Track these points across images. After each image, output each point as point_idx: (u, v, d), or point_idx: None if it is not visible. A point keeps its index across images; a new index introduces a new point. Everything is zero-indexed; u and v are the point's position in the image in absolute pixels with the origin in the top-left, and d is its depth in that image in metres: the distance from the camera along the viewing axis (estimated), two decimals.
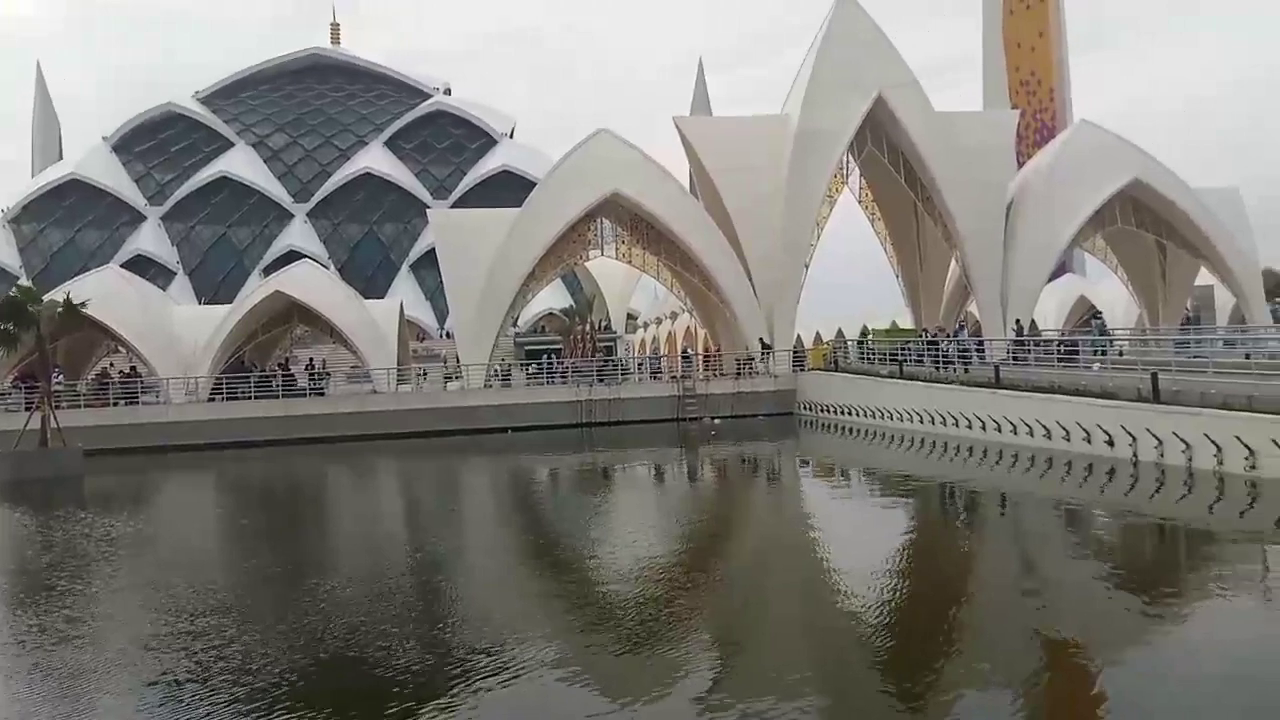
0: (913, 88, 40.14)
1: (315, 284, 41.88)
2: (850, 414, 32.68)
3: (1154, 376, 19.51)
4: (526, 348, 51.40)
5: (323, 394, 38.73)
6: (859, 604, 10.67)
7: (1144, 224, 42.49)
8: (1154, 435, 18.42)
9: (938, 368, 30.61)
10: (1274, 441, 15.74)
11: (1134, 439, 18.99)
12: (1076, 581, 11.44)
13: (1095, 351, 29.29)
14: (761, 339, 39.25)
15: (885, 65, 39.90)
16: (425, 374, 43.23)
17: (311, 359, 45.63)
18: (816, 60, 40.61)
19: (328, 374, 42.23)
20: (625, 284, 67.97)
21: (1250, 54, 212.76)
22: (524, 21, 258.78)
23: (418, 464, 30.07)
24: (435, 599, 11.70)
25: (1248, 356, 22.80)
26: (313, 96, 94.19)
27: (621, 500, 21.18)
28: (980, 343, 34.63)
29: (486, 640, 9.46)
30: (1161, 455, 18.31)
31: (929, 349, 32.61)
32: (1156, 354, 28.76)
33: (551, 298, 66.41)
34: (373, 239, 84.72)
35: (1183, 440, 17.70)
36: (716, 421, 35.21)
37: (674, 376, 39.52)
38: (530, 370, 41.41)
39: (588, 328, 45.22)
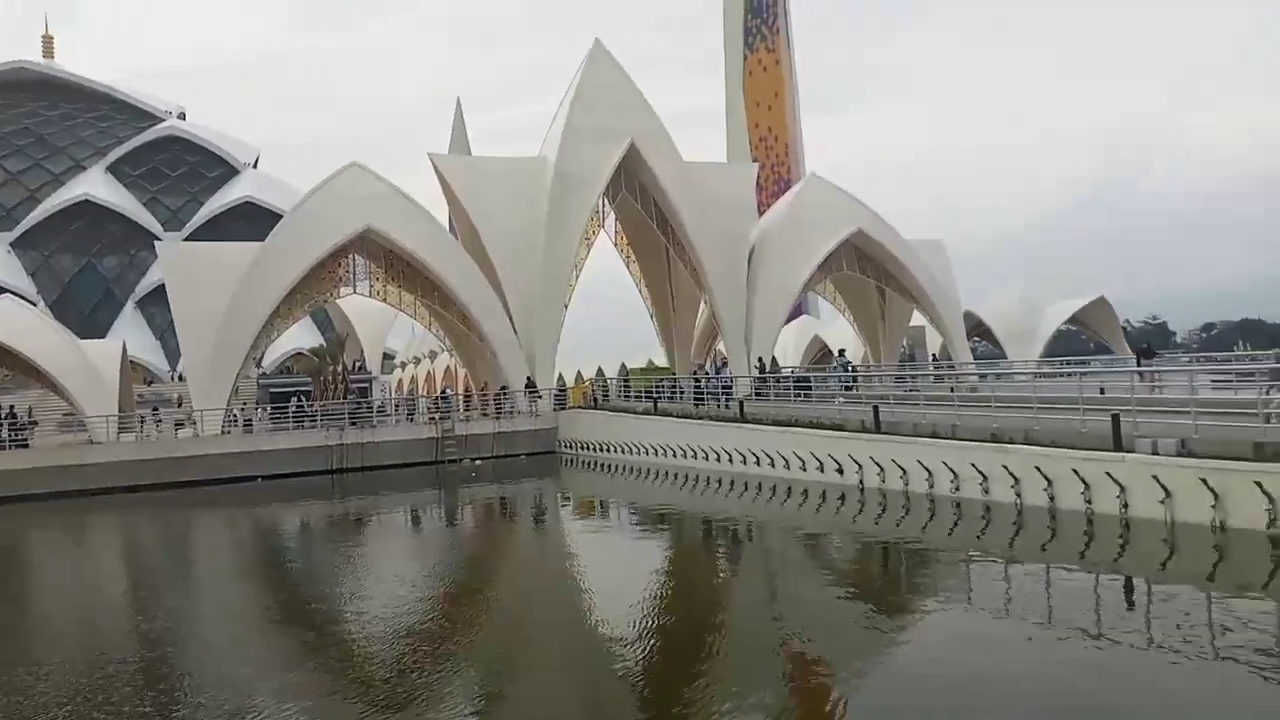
0: (663, 137, 42.19)
1: (17, 322, 37.23)
2: (610, 451, 33.37)
3: (875, 409, 21.51)
4: (272, 390, 48.32)
5: (26, 445, 34.33)
6: (618, 635, 10.86)
7: (866, 270, 46.96)
8: (876, 463, 20.26)
9: (698, 404, 31.96)
10: (973, 465, 17.80)
11: (860, 467, 20.78)
12: (813, 599, 12.35)
13: (844, 386, 31.64)
14: (530, 378, 39.35)
15: (637, 114, 41.71)
16: (154, 420, 39.47)
17: (13, 406, 40.32)
18: (571, 106, 41.75)
19: (33, 423, 37.53)
20: (381, 322, 65.82)
21: (951, 127, 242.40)
22: (266, 47, 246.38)
23: (138, 520, 27.23)
24: (158, 682, 10.58)
25: (952, 390, 25.65)
26: (21, 114, 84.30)
27: (374, 550, 20.29)
28: (721, 379, 36.61)
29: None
30: (883, 481, 20.16)
31: (693, 385, 34.00)
32: (879, 388, 31.71)
33: (300, 336, 63.13)
34: (92, 273, 76.73)
35: (900, 466, 19.61)
36: (477, 463, 34.74)
37: (432, 418, 38.63)
38: (276, 414, 38.90)
39: (339, 368, 43.19)
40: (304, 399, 41.67)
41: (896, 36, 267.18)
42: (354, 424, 36.23)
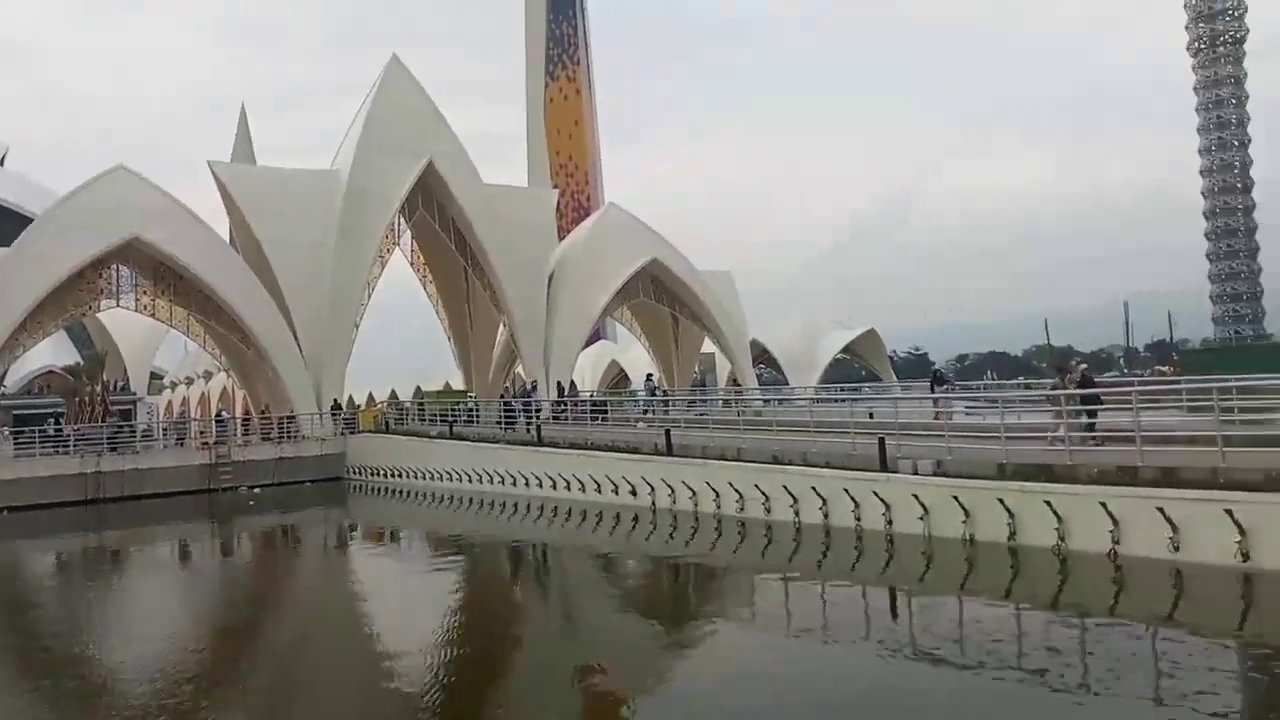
0: (462, 157, 41.74)
1: None
2: (403, 476, 32.36)
3: (667, 432, 22.17)
4: (16, 412, 43.36)
5: None
6: (404, 671, 10.48)
7: (661, 298, 48.44)
8: (668, 485, 20.87)
9: (503, 427, 31.53)
10: (756, 486, 18.71)
11: (653, 489, 21.32)
12: (604, 621, 12.52)
13: (645, 410, 32.20)
14: (336, 401, 37.53)
15: (435, 133, 41.06)
16: None
17: None
18: (367, 121, 40.52)
19: None
20: (148, 339, 60.67)
21: (740, 166, 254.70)
22: (13, 35, 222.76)
23: None
24: None
25: (739, 415, 26.84)
26: None
27: (126, 588, 18.58)
28: (526, 402, 36.52)
29: None
30: (674, 502, 20.79)
31: (503, 409, 33.51)
32: (673, 412, 32.65)
33: (53, 353, 57.04)
34: None
35: (690, 488, 20.30)
36: (256, 490, 32.66)
37: (206, 443, 35.95)
38: (21, 439, 34.87)
39: (98, 388, 39.37)
40: (56, 422, 37.61)
41: (692, 78, 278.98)
42: (114, 450, 33.13)
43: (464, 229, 41.69)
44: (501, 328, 45.15)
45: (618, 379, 69.26)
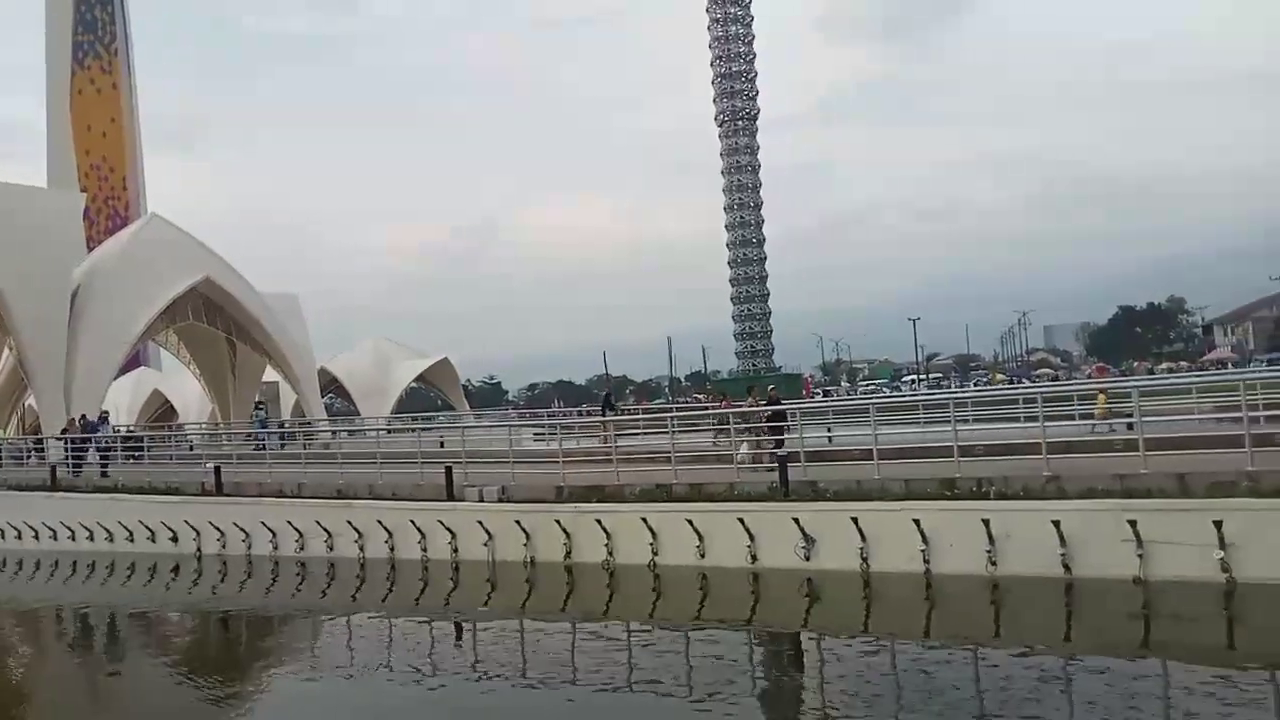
0: None
1: None
2: None
3: (217, 470, 20.23)
4: None
5: None
6: None
7: (215, 321, 44.23)
8: (217, 528, 19.02)
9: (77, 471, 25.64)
10: (318, 523, 17.78)
11: (198, 533, 19.29)
12: (147, 686, 11.01)
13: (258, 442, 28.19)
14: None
15: None
16: None
17: None
18: None
19: None
20: None
21: (303, 185, 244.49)
22: None
23: None
24: None
25: (305, 448, 25.27)
26: None
27: None
28: (38, 441, 31.05)
29: None
30: (224, 546, 18.99)
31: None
32: (229, 447, 29.86)
33: None
34: None
35: (243, 529, 18.68)
36: None
37: None
38: None
39: None
40: None
41: (255, 85, 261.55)
42: None
43: None
44: (7, 350, 38.02)
45: (163, 410, 61.83)
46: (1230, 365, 63.91)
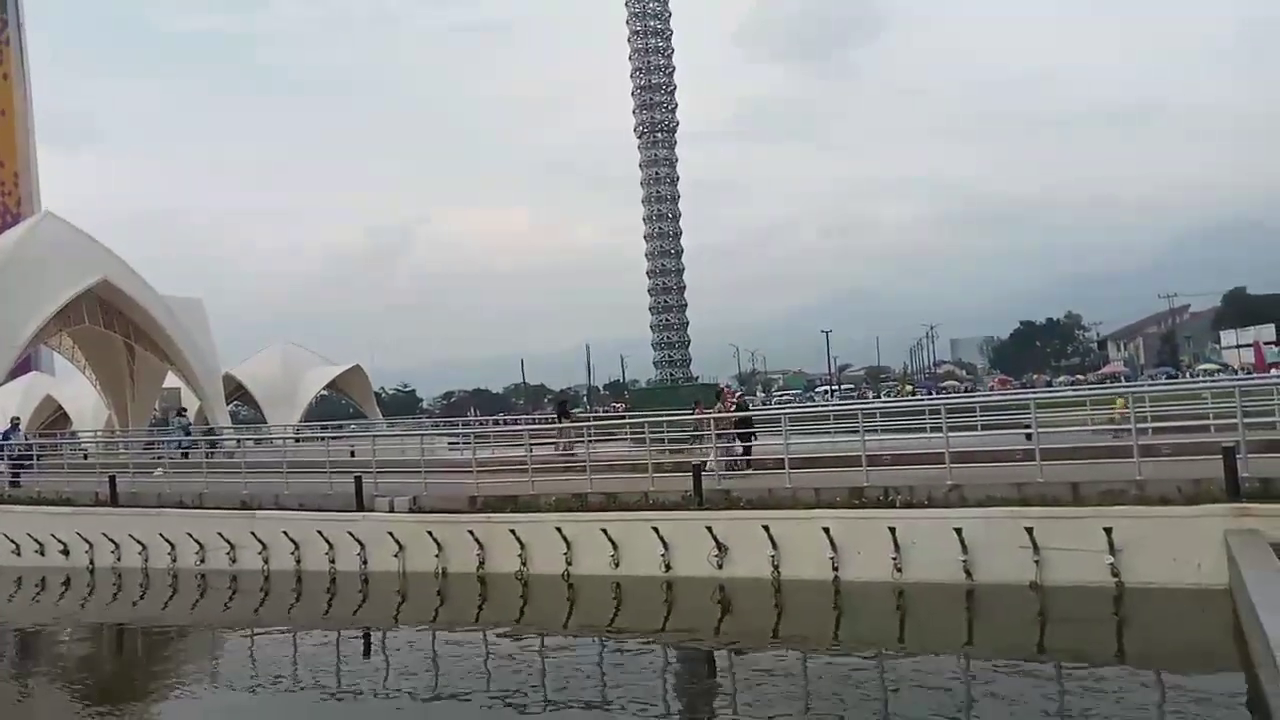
0: None
1: None
2: None
3: (112, 480, 19.34)
4: None
5: None
6: None
7: (113, 325, 42.35)
8: (111, 540, 18.18)
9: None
10: (220, 534, 17.15)
11: (91, 545, 18.40)
12: (30, 704, 10.42)
13: (182, 452, 26.79)
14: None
15: None
16: None
17: None
18: None
19: None
20: None
21: (202, 186, 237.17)
22: None
23: None
24: None
25: (208, 456, 24.40)
26: None
27: None
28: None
29: None
30: (119, 559, 18.16)
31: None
32: (125, 456, 28.64)
33: None
34: None
35: (139, 542, 17.89)
36: None
37: None
38: None
39: None
40: None
41: (161, 84, 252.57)
42: None
43: None
44: None
45: (55, 417, 58.87)
46: (1122, 379, 67.05)
